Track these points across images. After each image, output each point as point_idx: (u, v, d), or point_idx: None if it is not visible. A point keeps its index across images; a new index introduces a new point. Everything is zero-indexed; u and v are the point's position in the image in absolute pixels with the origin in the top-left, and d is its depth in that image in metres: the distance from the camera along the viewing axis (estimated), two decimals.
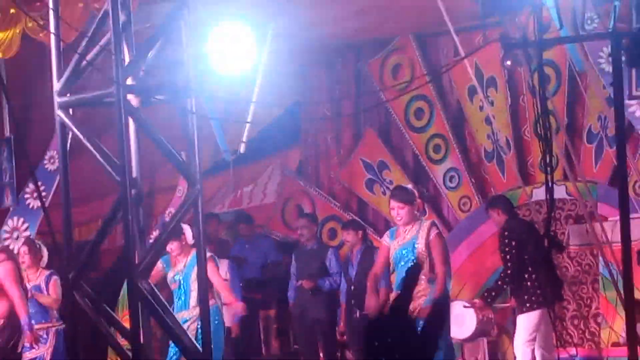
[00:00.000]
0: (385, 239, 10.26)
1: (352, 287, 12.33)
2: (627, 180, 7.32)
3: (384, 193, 13.82)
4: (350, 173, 14.68)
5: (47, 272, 11.97)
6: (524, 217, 12.35)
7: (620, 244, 10.90)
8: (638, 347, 8.14)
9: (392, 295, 9.93)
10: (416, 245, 9.92)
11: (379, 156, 14.48)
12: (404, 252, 9.97)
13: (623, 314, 11.67)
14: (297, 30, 12.69)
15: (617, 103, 7.06)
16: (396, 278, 10.07)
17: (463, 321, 11.81)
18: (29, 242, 12.18)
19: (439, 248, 9.90)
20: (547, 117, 8.68)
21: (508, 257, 11.32)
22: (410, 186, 10.66)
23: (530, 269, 11.30)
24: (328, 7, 11.80)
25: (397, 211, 10.03)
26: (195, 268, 10.46)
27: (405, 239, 10.02)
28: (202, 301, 7.93)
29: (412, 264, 9.81)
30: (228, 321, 12.71)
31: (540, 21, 8.11)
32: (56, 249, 7.95)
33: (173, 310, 9.62)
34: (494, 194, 13.45)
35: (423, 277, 9.83)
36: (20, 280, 10.37)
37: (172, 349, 10.56)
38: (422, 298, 9.85)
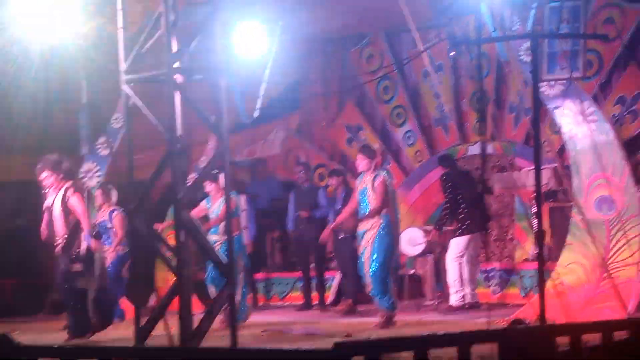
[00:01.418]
0: (357, 181, 10.41)
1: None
2: (540, 139, 7.29)
3: None
4: (335, 133, 14.67)
5: (110, 209, 11.92)
6: (461, 168, 12.42)
7: (530, 187, 11.08)
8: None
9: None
10: (367, 190, 10.10)
11: (357, 121, 14.46)
12: (363, 193, 10.14)
13: (531, 238, 11.84)
14: (299, 26, 12.66)
15: (535, 84, 7.05)
16: (360, 210, 10.23)
17: (415, 242, 11.85)
18: (102, 186, 12.17)
19: (378, 189, 10.03)
20: (481, 94, 8.75)
21: (446, 195, 11.48)
22: (375, 146, 10.77)
23: (462, 205, 11.40)
24: (321, 8, 11.74)
25: (359, 161, 10.26)
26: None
27: (364, 183, 10.18)
28: (228, 229, 7.91)
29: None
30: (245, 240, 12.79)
31: (479, 25, 8.10)
32: (120, 187, 7.93)
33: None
34: (440, 150, 13.52)
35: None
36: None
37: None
38: (374, 229, 10.04)
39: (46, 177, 9.86)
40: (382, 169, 10.41)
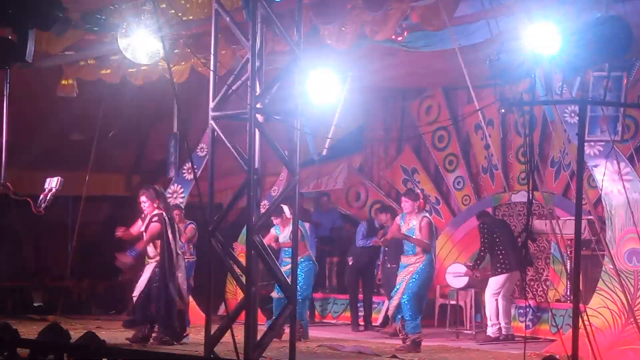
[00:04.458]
0: (398, 219, 10.44)
1: (386, 249, 12.17)
2: (582, 193, 7.04)
3: None
4: (393, 173, 14.51)
5: (187, 222, 11.94)
6: (504, 214, 12.17)
7: (566, 235, 10.80)
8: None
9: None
10: (415, 231, 10.13)
11: (412, 164, 14.30)
12: (410, 233, 10.16)
13: (564, 280, 11.54)
14: (365, 76, 12.59)
15: (579, 144, 6.83)
16: (405, 247, 10.28)
17: (459, 276, 11.63)
18: (178, 207, 12.20)
19: (424, 229, 10.14)
20: (528, 148, 8.54)
21: (482, 241, 11.35)
22: (417, 190, 10.75)
23: (500, 248, 11.19)
24: (386, 62, 11.63)
25: (404, 203, 10.34)
26: None
27: (409, 225, 10.20)
28: (294, 253, 7.84)
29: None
30: None
31: (531, 87, 7.93)
32: (202, 208, 7.84)
33: (279, 259, 9.73)
34: (486, 195, 13.31)
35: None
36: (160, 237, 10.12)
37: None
38: (418, 263, 10.04)
39: (143, 202, 9.99)
40: (425, 211, 10.46)
